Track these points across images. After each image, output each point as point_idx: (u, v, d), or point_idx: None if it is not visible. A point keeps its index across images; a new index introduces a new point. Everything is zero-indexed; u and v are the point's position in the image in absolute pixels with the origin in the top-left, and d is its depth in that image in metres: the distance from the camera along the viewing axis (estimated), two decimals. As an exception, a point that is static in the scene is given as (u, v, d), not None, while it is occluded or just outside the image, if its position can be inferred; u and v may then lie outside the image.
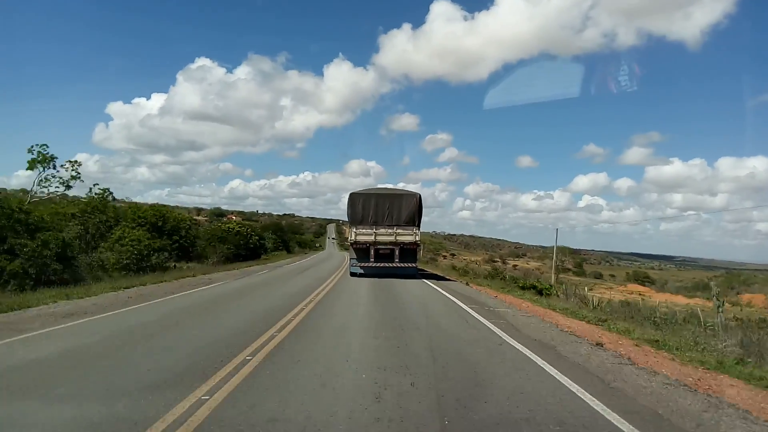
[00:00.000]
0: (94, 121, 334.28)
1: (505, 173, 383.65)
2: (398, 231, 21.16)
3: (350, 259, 22.55)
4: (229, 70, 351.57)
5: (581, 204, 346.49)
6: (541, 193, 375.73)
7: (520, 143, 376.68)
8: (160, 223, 27.41)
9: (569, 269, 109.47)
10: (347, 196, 22.21)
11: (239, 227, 38.09)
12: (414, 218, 21.49)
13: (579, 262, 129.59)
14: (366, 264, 21.48)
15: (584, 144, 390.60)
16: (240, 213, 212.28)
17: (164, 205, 44.78)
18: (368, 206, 21.31)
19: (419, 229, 21.78)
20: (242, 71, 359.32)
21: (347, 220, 22.78)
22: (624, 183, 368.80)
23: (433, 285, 20.63)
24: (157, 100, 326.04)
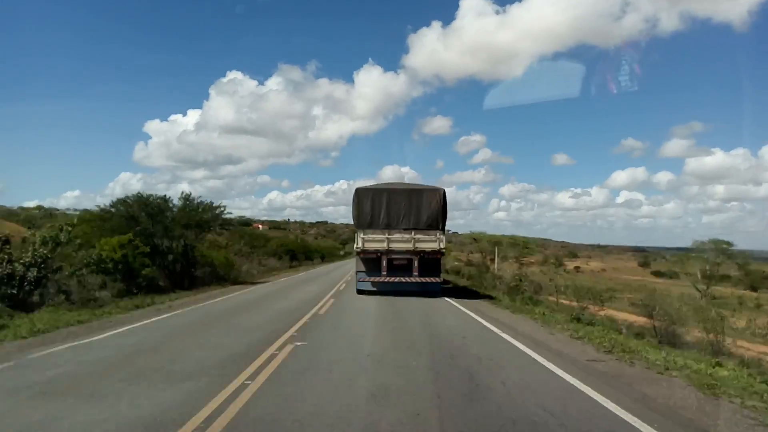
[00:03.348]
0: (134, 140, 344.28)
1: (540, 172, 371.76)
2: (417, 236, 16.73)
3: (357, 271, 17.87)
4: (261, 82, 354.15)
5: (619, 200, 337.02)
6: (578, 190, 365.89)
7: (556, 141, 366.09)
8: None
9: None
10: (354, 193, 17.45)
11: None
12: (437, 220, 16.99)
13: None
14: (377, 278, 16.86)
15: (622, 138, 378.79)
16: (270, 222, 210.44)
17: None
18: (379, 205, 16.96)
19: (444, 234, 17.43)
20: (273, 82, 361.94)
21: (354, 222, 18.06)
22: (664, 176, 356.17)
23: (484, 322, 12.61)
24: (193, 116, 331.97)
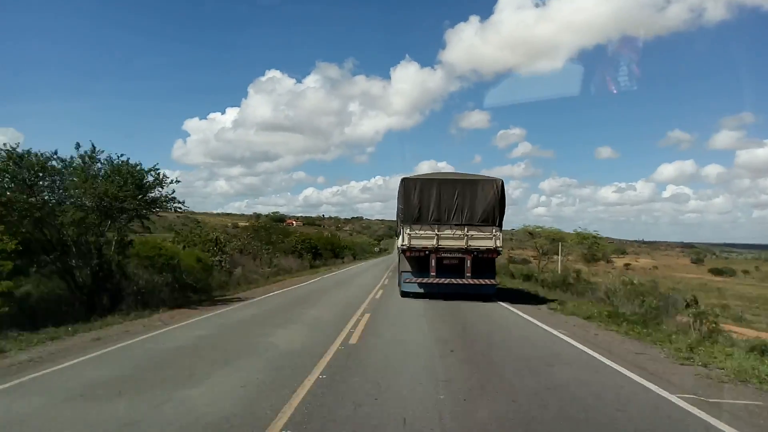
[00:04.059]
0: (173, 137, 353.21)
1: (583, 166, 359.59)
2: (471, 233, 15.53)
3: (401, 272, 16.55)
4: (299, 80, 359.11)
5: (666, 194, 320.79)
6: (623, 184, 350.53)
7: (600, 134, 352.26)
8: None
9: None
10: (400, 184, 16.13)
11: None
12: (494, 215, 15.66)
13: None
14: (424, 279, 15.61)
15: (668, 130, 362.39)
16: (305, 218, 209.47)
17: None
18: (428, 198, 15.70)
19: (501, 231, 15.94)
20: (311, 80, 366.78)
21: (397, 218, 17.69)
22: (713, 169, 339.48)
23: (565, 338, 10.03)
24: (231, 114, 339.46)
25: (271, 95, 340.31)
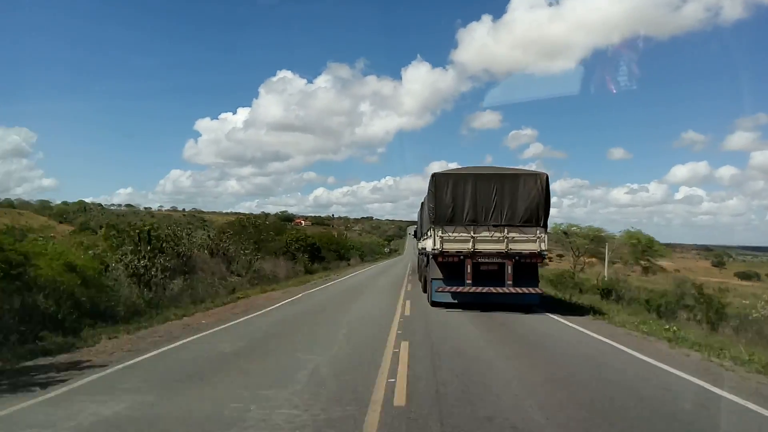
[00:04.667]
0: (185, 138, 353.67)
1: (595, 167, 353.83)
2: (512, 235, 13.78)
3: (431, 279, 14.62)
4: (309, 81, 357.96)
5: (678, 196, 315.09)
6: (635, 186, 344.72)
7: (612, 134, 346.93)
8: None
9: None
10: (430, 180, 14.37)
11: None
12: (538, 214, 13.86)
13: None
14: (458, 288, 13.65)
15: (682, 131, 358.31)
16: (314, 217, 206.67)
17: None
18: (463, 195, 13.97)
19: (546, 232, 14.17)
20: (322, 80, 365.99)
21: (427, 215, 15.48)
22: (726, 171, 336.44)
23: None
24: (242, 114, 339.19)
25: (282, 95, 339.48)
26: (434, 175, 14.37)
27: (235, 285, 17.90)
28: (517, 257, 13.73)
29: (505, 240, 13.84)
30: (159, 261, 12.52)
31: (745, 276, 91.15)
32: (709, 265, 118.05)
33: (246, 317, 11.92)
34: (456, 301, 14.04)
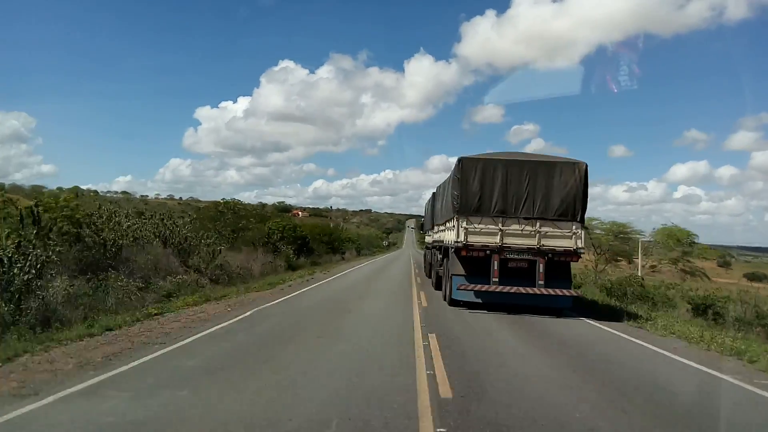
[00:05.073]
0: (184, 126, 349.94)
1: (595, 164, 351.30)
2: (545, 229, 12.80)
3: (451, 275, 13.24)
4: (311, 71, 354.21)
5: (677, 195, 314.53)
6: (634, 184, 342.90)
7: (614, 132, 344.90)
8: None
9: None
10: (456, 164, 13.45)
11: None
12: (574, 207, 12.84)
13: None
14: (483, 287, 12.56)
15: (685, 129, 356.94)
16: (312, 209, 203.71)
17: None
18: (491, 183, 12.92)
19: (583, 228, 13.08)
20: (324, 71, 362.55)
21: (448, 204, 14.29)
22: (726, 171, 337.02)
23: None
24: (243, 103, 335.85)
25: (283, 85, 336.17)
26: (461, 159, 13.28)
27: (182, 286, 13.40)
28: (550, 254, 12.72)
29: (537, 235, 12.80)
30: (35, 253, 7.99)
31: (754, 277, 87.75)
32: (715, 265, 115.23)
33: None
34: (479, 301, 12.97)
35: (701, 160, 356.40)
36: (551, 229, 12.83)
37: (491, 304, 12.77)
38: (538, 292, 12.41)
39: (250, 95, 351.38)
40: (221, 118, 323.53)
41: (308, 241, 31.19)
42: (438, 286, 16.57)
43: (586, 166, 13.04)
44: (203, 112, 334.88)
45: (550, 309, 12.89)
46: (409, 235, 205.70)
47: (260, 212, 31.34)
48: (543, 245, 12.72)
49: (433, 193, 20.24)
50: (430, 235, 22.47)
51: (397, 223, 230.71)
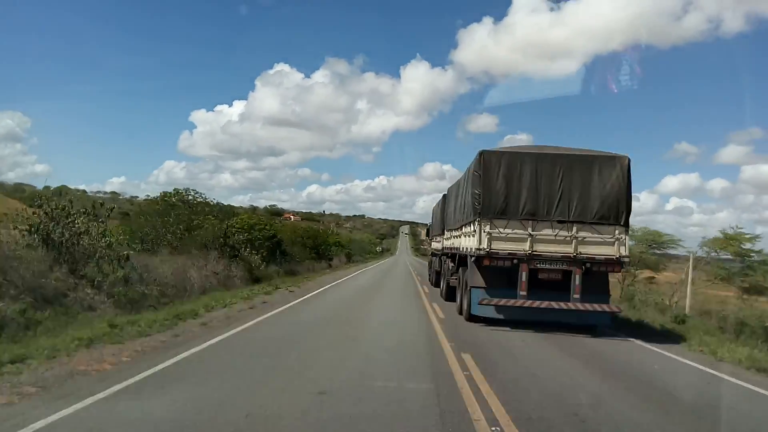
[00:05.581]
0: (180, 129, 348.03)
1: None
2: (583, 234, 11.38)
3: (470, 287, 11.90)
4: (307, 75, 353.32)
5: (669, 206, 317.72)
6: None
7: (606, 142, 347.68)
8: None
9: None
10: (476, 159, 11.85)
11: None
12: (617, 209, 11.36)
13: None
14: (509, 301, 11.17)
15: (676, 142, 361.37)
16: (305, 213, 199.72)
17: None
18: (519, 181, 11.50)
19: (627, 233, 11.65)
20: (319, 75, 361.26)
21: (472, 205, 12.04)
22: (717, 184, 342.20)
23: None
24: (238, 106, 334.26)
25: (278, 89, 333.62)
26: (482, 153, 11.79)
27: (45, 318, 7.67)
28: (588, 264, 11.32)
29: (574, 241, 11.41)
30: None
31: (756, 291, 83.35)
32: (713, 277, 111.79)
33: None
34: (502, 317, 11.62)
35: (693, 172, 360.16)
36: (590, 235, 11.48)
37: (521, 321, 11.48)
38: (574, 308, 11.06)
39: (246, 99, 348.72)
40: (216, 121, 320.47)
41: (281, 243, 25.29)
42: (449, 297, 15.62)
43: (629, 160, 11.63)
44: (199, 115, 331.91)
45: (586, 326, 11.76)
46: (403, 241, 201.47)
47: (225, 209, 25.46)
48: (580, 253, 11.36)
49: (443, 195, 18.70)
50: (438, 241, 20.64)
51: (391, 228, 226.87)
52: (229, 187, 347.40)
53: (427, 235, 28.19)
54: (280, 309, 13.00)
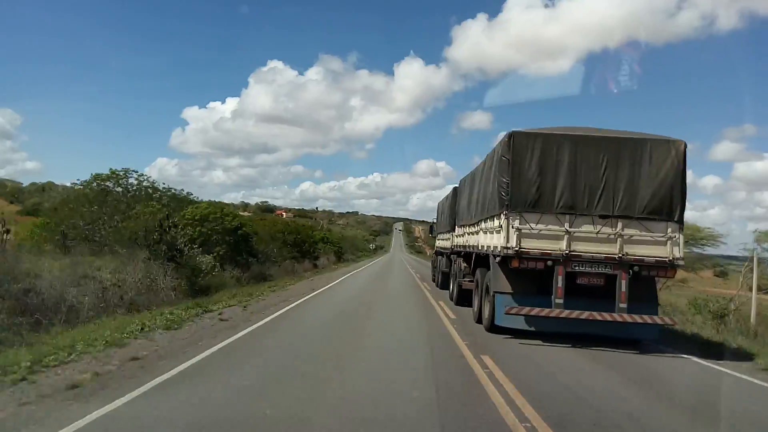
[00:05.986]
0: (172, 126, 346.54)
1: None
2: (630, 232, 10.07)
3: (494, 293, 10.55)
4: (300, 72, 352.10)
5: None
6: None
7: None
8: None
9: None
10: (504, 141, 10.34)
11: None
12: (671, 202, 10.01)
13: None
14: (543, 310, 9.73)
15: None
16: (297, 210, 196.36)
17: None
18: (555, 168, 10.14)
19: (682, 230, 10.09)
20: (313, 72, 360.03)
21: (498, 195, 10.54)
22: (710, 180, 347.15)
23: None
24: (231, 103, 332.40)
25: (271, 86, 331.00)
26: (512, 135, 10.22)
27: None
28: (635, 267, 9.90)
29: (619, 239, 10.03)
30: None
31: (758, 288, 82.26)
32: (711, 275, 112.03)
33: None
34: (533, 329, 10.20)
35: (687, 168, 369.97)
36: (638, 232, 10.15)
37: (555, 333, 10.10)
38: (620, 319, 9.73)
39: (239, 96, 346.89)
40: (209, 118, 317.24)
41: (249, 239, 20.28)
42: (460, 301, 14.58)
43: (685, 145, 10.21)
44: (191, 112, 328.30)
45: (630, 339, 10.48)
46: (397, 238, 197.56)
47: (182, 199, 20.43)
48: (626, 254, 10.03)
49: (454, 188, 17.70)
50: (446, 239, 19.49)
51: (384, 225, 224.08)
52: (222, 184, 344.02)
53: (431, 232, 26.95)
54: (187, 363, 6.48)
